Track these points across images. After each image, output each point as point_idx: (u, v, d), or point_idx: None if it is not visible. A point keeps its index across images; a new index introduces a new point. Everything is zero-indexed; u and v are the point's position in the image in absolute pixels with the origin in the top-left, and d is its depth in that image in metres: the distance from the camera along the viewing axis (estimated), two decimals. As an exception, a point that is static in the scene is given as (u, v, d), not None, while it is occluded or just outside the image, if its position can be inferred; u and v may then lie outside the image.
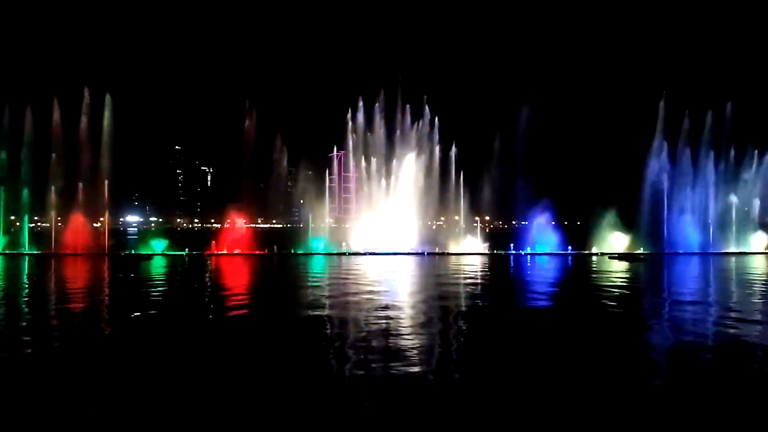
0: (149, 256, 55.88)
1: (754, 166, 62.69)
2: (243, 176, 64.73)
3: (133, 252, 58.53)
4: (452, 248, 60.23)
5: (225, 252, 58.37)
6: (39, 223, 69.14)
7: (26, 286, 35.07)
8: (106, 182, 60.83)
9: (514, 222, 63.53)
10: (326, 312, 23.33)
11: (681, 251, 58.61)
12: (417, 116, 65.47)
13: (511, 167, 63.76)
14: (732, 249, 59.85)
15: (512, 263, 49.67)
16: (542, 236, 60.07)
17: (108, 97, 61.50)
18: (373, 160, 65.74)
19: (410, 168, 64.81)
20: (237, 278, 39.56)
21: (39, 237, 62.82)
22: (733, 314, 22.81)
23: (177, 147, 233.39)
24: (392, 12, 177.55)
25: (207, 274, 41.73)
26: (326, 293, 30.19)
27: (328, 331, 19.31)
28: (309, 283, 36.10)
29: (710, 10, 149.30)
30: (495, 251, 59.52)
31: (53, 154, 60.74)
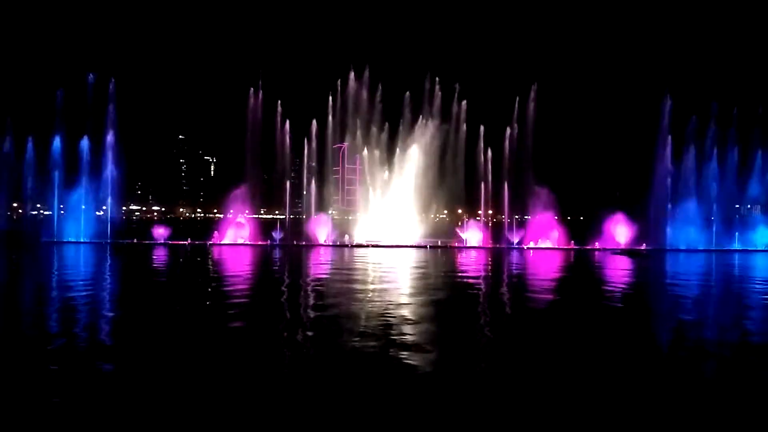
0: (152, 245, 56.05)
1: (758, 162, 62.42)
2: (246, 166, 64.60)
3: (135, 241, 58.59)
4: (455, 242, 60.27)
5: (227, 242, 58.57)
6: (41, 211, 69.26)
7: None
8: (110, 171, 60.82)
9: (517, 216, 63.33)
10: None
11: (684, 248, 58.46)
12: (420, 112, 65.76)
13: (515, 161, 63.80)
14: (736, 246, 59.66)
15: (515, 258, 49.55)
16: (545, 231, 60.00)
17: (112, 87, 61.36)
18: (376, 153, 65.88)
19: (413, 161, 64.92)
20: (240, 268, 39.58)
21: (42, 225, 63.04)
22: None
23: (180, 136, 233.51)
24: (395, 9, 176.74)
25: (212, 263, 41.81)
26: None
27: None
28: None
29: (716, 5, 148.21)
30: (497, 245, 59.43)
31: (57, 140, 60.70)
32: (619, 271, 39.51)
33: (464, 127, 65.59)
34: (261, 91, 63.62)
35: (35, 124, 61.78)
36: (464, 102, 65.91)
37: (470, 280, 33.47)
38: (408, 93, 66.11)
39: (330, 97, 67.00)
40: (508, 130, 63.78)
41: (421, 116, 65.65)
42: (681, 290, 30.12)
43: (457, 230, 62.44)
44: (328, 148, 67.80)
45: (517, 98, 64.40)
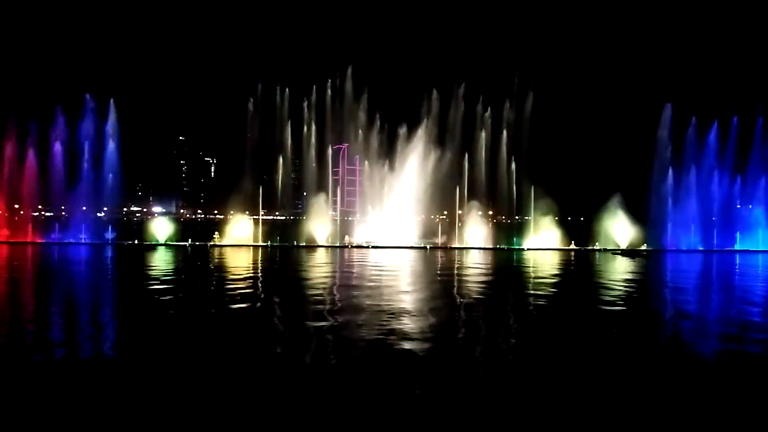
0: (153, 246, 56.17)
1: (759, 161, 62.46)
2: (246, 168, 64.83)
3: (136, 242, 58.66)
4: (455, 243, 60.38)
5: (227, 243, 58.70)
6: (43, 213, 69.39)
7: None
8: (110, 173, 61.06)
9: (517, 217, 63.46)
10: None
11: (684, 248, 58.58)
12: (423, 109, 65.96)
13: (516, 163, 63.95)
14: (737, 247, 59.74)
15: (514, 258, 49.62)
16: (545, 232, 60.12)
17: (112, 85, 61.67)
18: (376, 154, 65.96)
19: (414, 162, 64.99)
20: (242, 268, 39.64)
21: (43, 226, 63.28)
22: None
23: (181, 138, 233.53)
24: (391, 12, 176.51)
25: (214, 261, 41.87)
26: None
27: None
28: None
29: (717, 9, 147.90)
30: (498, 246, 59.50)
31: (57, 140, 60.87)
32: (618, 271, 39.49)
33: (465, 124, 65.79)
34: (260, 90, 63.99)
35: (38, 126, 61.95)
36: (462, 92, 65.94)
37: (469, 282, 33.53)
38: (414, 101, 66.29)
39: (329, 96, 67.03)
40: (506, 132, 64.06)
41: (426, 119, 65.65)
42: (680, 290, 30.16)
43: (457, 231, 62.48)
44: (327, 148, 67.81)
45: (516, 99, 64.63)
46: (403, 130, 66.00)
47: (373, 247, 58.72)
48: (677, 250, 58.11)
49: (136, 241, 58.81)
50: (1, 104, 71.72)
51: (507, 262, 45.78)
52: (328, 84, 66.92)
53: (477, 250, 56.95)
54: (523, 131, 64.21)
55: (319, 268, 40.38)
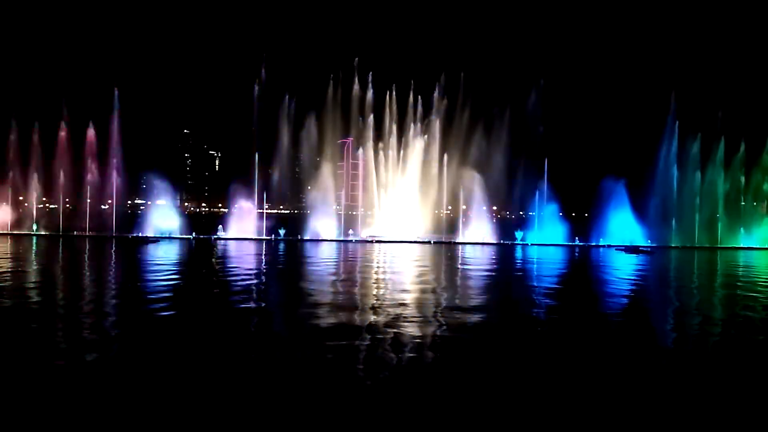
0: (156, 239, 56.27)
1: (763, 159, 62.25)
2: (251, 161, 64.71)
3: (140, 234, 58.75)
4: (459, 238, 60.32)
5: (231, 236, 58.77)
6: (48, 204, 69.65)
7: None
8: (114, 165, 61.22)
9: (521, 212, 63.22)
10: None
11: (688, 245, 58.42)
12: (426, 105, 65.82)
13: (521, 158, 63.76)
14: (741, 244, 59.53)
15: (517, 253, 49.53)
16: (549, 227, 60.02)
17: (116, 78, 61.72)
18: (381, 148, 65.80)
19: (418, 156, 64.89)
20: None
21: (48, 218, 63.54)
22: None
23: (185, 131, 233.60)
24: (397, 7, 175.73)
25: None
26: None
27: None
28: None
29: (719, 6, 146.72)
30: (502, 241, 59.44)
31: (62, 134, 61.01)
32: (620, 268, 39.38)
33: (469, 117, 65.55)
34: (264, 85, 63.84)
35: (41, 119, 62.19)
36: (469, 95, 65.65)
37: (471, 279, 33.56)
38: (419, 96, 65.92)
39: (332, 91, 66.69)
40: (509, 128, 63.87)
41: (434, 113, 65.38)
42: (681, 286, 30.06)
43: (461, 226, 62.36)
44: (330, 142, 67.61)
45: (520, 95, 64.36)
46: (407, 125, 65.89)
47: (376, 241, 58.74)
48: (681, 246, 57.93)
49: (140, 234, 58.83)
50: (6, 97, 71.84)
51: (509, 258, 45.64)
52: (331, 77, 66.64)
53: (480, 245, 56.86)
54: (531, 127, 63.91)
55: (323, 263, 40.46)
